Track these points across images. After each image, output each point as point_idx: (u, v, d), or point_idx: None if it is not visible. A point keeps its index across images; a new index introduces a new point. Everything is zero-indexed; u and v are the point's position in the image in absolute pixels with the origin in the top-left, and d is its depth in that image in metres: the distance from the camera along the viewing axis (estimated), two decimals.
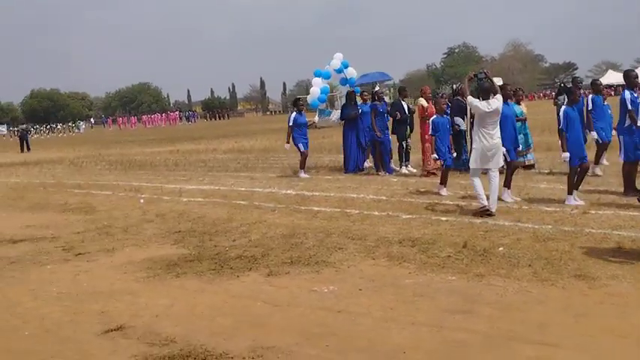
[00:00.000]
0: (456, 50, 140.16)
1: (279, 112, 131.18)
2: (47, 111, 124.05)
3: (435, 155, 10.83)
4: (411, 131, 14.26)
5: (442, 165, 10.90)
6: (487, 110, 8.82)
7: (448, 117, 11.72)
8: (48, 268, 7.58)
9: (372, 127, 13.88)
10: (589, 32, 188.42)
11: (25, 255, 8.30)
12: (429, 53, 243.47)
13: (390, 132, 14.20)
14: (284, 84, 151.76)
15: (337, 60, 15.99)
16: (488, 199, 8.77)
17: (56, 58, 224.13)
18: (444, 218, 8.75)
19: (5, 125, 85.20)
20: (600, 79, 15.85)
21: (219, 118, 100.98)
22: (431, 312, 5.25)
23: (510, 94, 9.84)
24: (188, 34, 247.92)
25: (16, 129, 61.54)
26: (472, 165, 9.15)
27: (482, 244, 7.17)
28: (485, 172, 9.19)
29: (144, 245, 8.49)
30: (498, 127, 8.97)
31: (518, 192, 10.08)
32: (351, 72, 16.13)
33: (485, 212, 8.71)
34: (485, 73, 10.27)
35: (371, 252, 7.26)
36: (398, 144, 14.06)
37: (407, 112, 13.96)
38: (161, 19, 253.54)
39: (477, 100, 8.97)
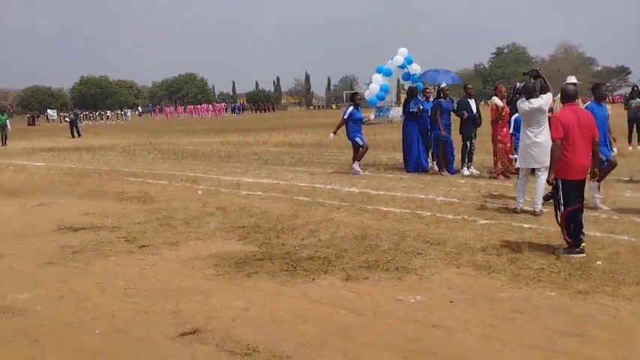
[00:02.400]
0: (505, 50, 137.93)
1: (323, 106, 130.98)
2: (96, 98, 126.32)
3: (516, 155, 10.17)
4: (479, 125, 13.60)
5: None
6: (527, 109, 8.86)
7: None
8: (112, 260, 7.27)
9: (436, 126, 13.34)
10: None
11: (88, 244, 8.02)
12: (477, 52, 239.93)
13: (453, 131, 13.63)
14: (328, 79, 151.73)
15: (401, 56, 15.46)
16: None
17: (105, 46, 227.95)
18: (526, 225, 8.20)
19: (55, 110, 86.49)
20: None
21: (264, 111, 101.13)
22: (538, 332, 4.73)
23: (605, 94, 9.27)
24: (235, 25, 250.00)
25: (66, 114, 62.31)
26: (518, 164, 9.36)
27: (576, 257, 6.60)
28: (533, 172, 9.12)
29: (208, 240, 8.13)
30: (545, 126, 8.87)
31: (602, 200, 9.43)
32: (415, 68, 15.59)
33: (514, 211, 8.98)
34: (537, 71, 9.82)
35: (453, 259, 6.77)
36: (462, 144, 13.47)
37: (474, 110, 13.35)
38: (209, 10, 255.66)
39: (521, 99, 9.07)
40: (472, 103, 13.42)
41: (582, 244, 6.71)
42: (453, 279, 6.11)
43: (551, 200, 7.25)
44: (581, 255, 6.61)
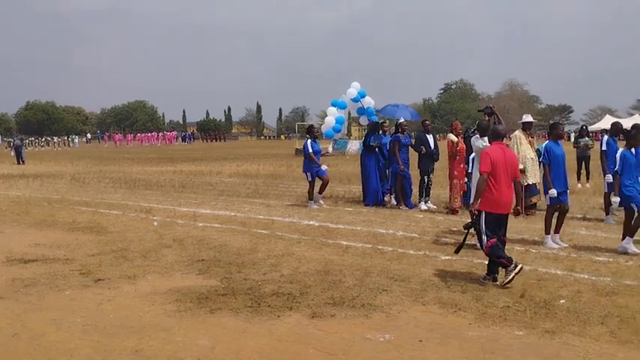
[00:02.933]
0: (453, 86, 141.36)
1: (274, 137, 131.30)
2: (42, 123, 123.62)
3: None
4: (437, 159, 13.74)
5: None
6: (482, 147, 8.90)
7: None
8: (67, 294, 6.98)
9: (395, 160, 13.43)
10: (585, 76, 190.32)
11: (40, 277, 7.69)
12: (426, 88, 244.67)
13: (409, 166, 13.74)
14: (280, 110, 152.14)
15: (354, 89, 15.55)
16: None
17: (53, 71, 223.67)
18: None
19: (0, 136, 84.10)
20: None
21: (215, 140, 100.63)
22: None
23: (562, 133, 9.47)
24: (185, 54, 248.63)
25: (11, 140, 60.58)
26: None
27: (540, 295, 6.64)
28: None
29: (167, 273, 7.90)
30: None
31: (559, 238, 9.59)
32: (369, 101, 15.70)
33: (474, 248, 8.58)
34: (491, 108, 9.99)
35: (419, 296, 6.72)
36: (420, 179, 13.58)
37: (432, 146, 13.50)
38: (160, 39, 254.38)
39: (476, 137, 9.20)
40: (430, 138, 13.57)
41: (514, 263, 7.00)
42: (420, 317, 6.06)
43: (468, 229, 7.65)
44: (519, 268, 6.95)
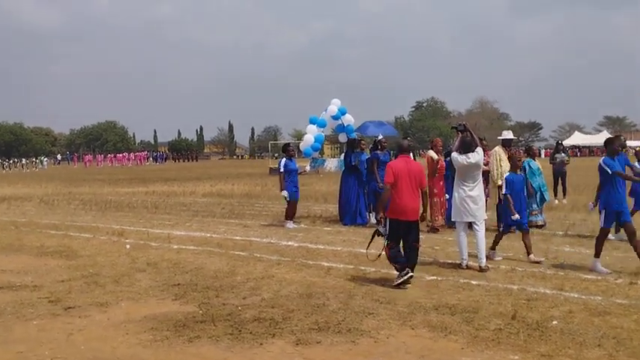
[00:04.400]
0: (424, 104, 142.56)
1: (243, 156, 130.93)
2: (9, 145, 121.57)
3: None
4: None
5: (515, 229, 9.94)
6: (465, 163, 8.84)
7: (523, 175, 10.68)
8: (35, 324, 6.57)
9: (373, 177, 13.19)
10: (553, 94, 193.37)
11: (6, 307, 7.25)
12: (398, 105, 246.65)
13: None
14: (252, 129, 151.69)
15: (334, 106, 15.32)
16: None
17: (20, 92, 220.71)
18: (474, 282, 8.01)
19: None
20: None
21: (187, 160, 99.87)
22: None
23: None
24: (156, 73, 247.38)
25: None
26: (453, 218, 9.25)
27: (532, 316, 6.42)
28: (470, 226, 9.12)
29: (141, 300, 7.54)
30: (480, 181, 9.03)
31: (544, 254, 9.44)
32: (349, 119, 15.46)
33: (459, 267, 8.88)
34: (464, 125, 9.92)
35: (407, 319, 6.46)
36: None
37: None
38: (129, 57, 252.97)
39: (457, 153, 9.03)
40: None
41: (406, 270, 7.80)
42: (409, 342, 5.79)
43: (379, 236, 8.24)
44: (409, 275, 7.77)
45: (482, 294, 7.40)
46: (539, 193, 12.03)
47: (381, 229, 8.17)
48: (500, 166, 11.77)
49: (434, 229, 12.24)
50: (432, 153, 12.42)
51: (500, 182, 11.61)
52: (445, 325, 6.23)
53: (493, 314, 6.53)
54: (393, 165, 8.18)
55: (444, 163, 12.16)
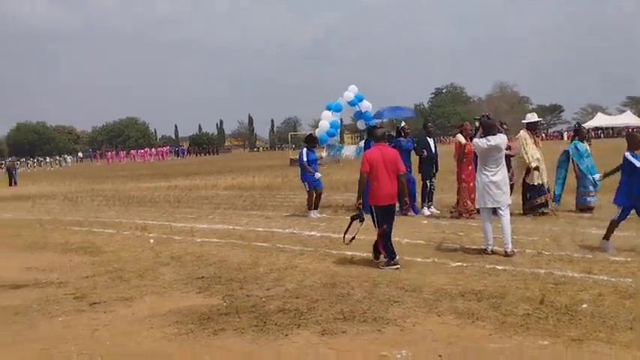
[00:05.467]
0: (444, 90, 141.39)
1: (267, 148, 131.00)
2: (33, 144, 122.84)
3: None
4: (437, 170, 13.46)
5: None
6: (485, 146, 8.73)
7: None
8: (60, 321, 6.59)
9: None
10: (574, 76, 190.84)
11: (32, 304, 7.29)
12: (417, 92, 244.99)
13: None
14: (272, 121, 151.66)
15: (351, 92, 15.17)
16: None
17: (42, 91, 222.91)
18: (499, 267, 7.89)
19: None
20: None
21: (208, 154, 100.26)
22: None
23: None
24: (175, 69, 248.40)
25: (3, 162, 60.10)
26: (477, 205, 9.20)
27: (560, 300, 6.29)
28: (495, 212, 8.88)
29: (165, 294, 7.53)
30: (503, 165, 8.83)
31: (571, 238, 9.27)
32: (366, 105, 15.32)
33: (485, 252, 8.77)
34: (487, 116, 9.83)
35: (433, 306, 6.37)
36: (422, 183, 13.24)
37: (433, 150, 13.18)
38: (149, 54, 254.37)
39: (477, 138, 8.96)
40: (431, 142, 13.25)
41: (395, 258, 8.22)
42: (436, 329, 5.70)
43: (356, 220, 8.66)
44: (396, 266, 8.10)
45: (508, 279, 7.28)
46: (589, 176, 11.79)
47: (357, 214, 8.64)
48: (526, 151, 11.56)
49: (468, 213, 12.00)
50: (460, 137, 12.23)
51: (534, 165, 11.45)
52: (472, 311, 6.13)
53: (521, 299, 6.42)
54: (368, 154, 8.62)
55: (471, 147, 11.98)
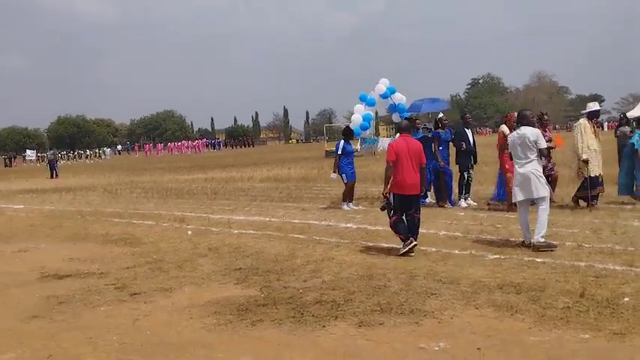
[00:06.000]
0: (480, 81, 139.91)
1: (302, 140, 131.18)
2: (73, 137, 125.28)
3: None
4: (475, 162, 13.35)
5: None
6: (516, 136, 8.70)
7: None
8: (102, 310, 6.73)
9: (434, 157, 12.99)
10: (614, 65, 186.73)
11: (75, 294, 7.45)
12: (453, 83, 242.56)
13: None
14: (307, 113, 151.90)
15: (382, 85, 15.12)
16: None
17: (82, 85, 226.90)
18: (539, 259, 7.79)
19: (34, 151, 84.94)
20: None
21: (244, 146, 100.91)
22: None
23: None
24: (210, 62, 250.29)
25: (44, 154, 61.43)
26: (513, 199, 9.12)
27: (601, 293, 6.19)
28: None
29: (204, 284, 7.62)
30: (536, 156, 8.58)
31: (612, 230, 9.11)
32: (399, 97, 15.25)
33: (523, 245, 8.67)
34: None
35: (470, 299, 6.33)
36: (459, 175, 13.14)
37: (471, 141, 13.06)
38: (185, 48, 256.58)
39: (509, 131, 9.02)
40: (469, 133, 13.13)
41: (409, 239, 8.41)
42: (474, 322, 5.67)
43: (386, 210, 8.91)
44: (412, 244, 8.38)
45: (548, 272, 7.19)
46: None
47: (385, 203, 8.89)
48: (584, 139, 11.25)
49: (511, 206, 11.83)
50: (504, 128, 12.06)
51: (584, 156, 11.17)
52: (510, 304, 6.07)
53: (560, 292, 6.34)
54: (394, 144, 8.87)
55: None
